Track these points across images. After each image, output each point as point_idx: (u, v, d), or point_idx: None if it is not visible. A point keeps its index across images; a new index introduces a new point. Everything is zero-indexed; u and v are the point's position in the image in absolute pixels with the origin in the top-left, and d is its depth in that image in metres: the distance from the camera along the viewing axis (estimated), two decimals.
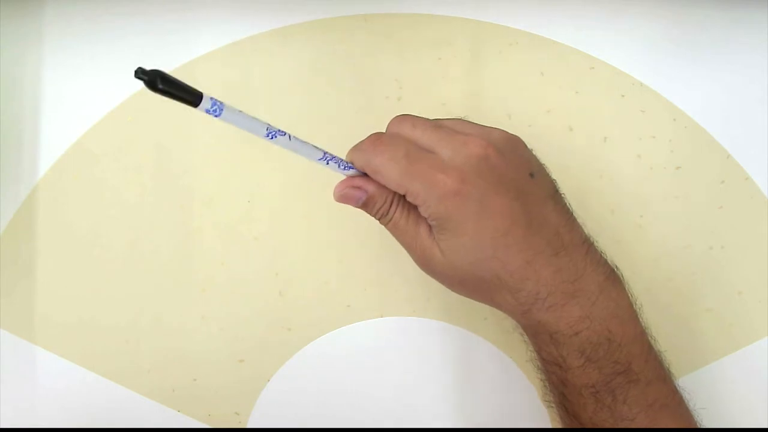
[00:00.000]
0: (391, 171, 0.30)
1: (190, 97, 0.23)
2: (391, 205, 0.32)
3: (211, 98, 0.24)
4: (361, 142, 0.31)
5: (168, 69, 0.43)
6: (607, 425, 0.30)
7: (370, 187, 0.31)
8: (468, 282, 0.31)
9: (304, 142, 0.29)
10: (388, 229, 0.33)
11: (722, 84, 0.42)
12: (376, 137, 0.31)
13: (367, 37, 0.43)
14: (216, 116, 0.24)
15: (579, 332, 0.30)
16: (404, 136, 0.31)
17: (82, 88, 0.43)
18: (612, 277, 0.31)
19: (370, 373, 0.40)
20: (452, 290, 0.33)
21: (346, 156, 0.32)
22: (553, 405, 0.34)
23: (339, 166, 0.31)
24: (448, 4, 0.43)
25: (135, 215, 0.42)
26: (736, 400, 0.40)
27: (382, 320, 0.41)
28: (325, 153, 0.30)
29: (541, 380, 0.34)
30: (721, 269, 0.41)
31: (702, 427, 0.32)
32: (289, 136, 0.29)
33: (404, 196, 0.31)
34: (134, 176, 0.42)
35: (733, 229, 0.41)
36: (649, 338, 0.32)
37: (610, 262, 0.32)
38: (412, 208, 0.31)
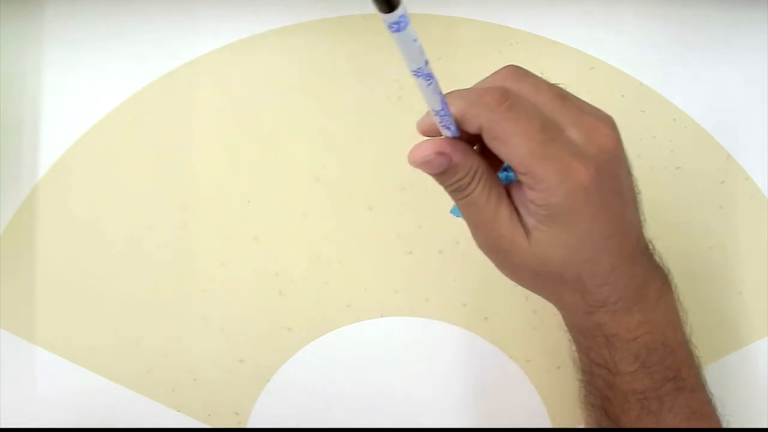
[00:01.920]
0: (521, 146, 0.25)
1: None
2: (472, 180, 0.27)
3: (403, 15, 0.21)
4: (477, 94, 0.26)
5: (168, 69, 0.43)
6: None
7: (457, 155, 0.27)
8: (546, 277, 0.28)
9: (440, 92, 0.24)
10: (459, 205, 0.29)
11: (722, 84, 0.42)
12: (504, 96, 0.26)
13: (367, 37, 0.43)
14: (393, 32, 0.21)
15: (637, 337, 0.28)
16: (532, 103, 0.26)
17: (82, 88, 0.43)
18: (667, 282, 0.30)
19: (369, 373, 0.40)
20: (515, 280, 0.30)
21: (450, 97, 0.26)
22: (590, 407, 0.32)
23: (448, 127, 0.27)
24: (449, 4, 0.43)
25: (135, 215, 0.42)
26: (736, 400, 0.40)
27: (382, 320, 0.41)
28: (445, 107, 0.25)
29: (579, 381, 0.33)
30: (721, 269, 0.41)
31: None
32: (433, 83, 0.24)
33: (488, 170, 0.27)
34: (134, 176, 0.42)
35: (733, 229, 0.41)
36: (692, 345, 0.31)
37: (664, 266, 0.31)
38: (494, 183, 0.28)
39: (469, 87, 0.28)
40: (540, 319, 0.40)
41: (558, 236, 0.27)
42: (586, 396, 0.32)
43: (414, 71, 0.23)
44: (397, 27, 0.21)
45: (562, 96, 0.27)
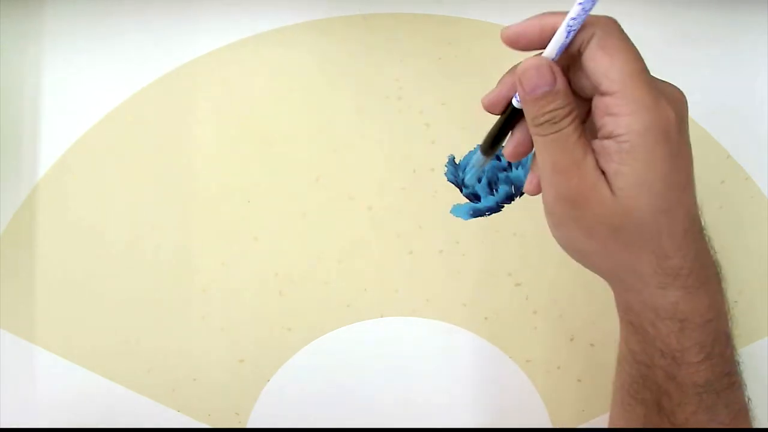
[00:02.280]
0: (627, 62, 0.25)
1: None
2: (569, 114, 0.26)
3: None
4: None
5: (168, 69, 0.43)
6: (700, 427, 0.28)
7: (562, 81, 0.26)
8: (625, 231, 0.26)
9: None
10: (544, 143, 0.27)
11: (722, 84, 0.42)
12: (611, 19, 0.26)
13: (367, 37, 0.43)
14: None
15: (708, 322, 0.27)
16: None
17: (82, 88, 0.43)
18: (720, 270, 0.29)
19: (369, 373, 0.40)
20: (585, 241, 0.28)
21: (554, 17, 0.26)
22: (637, 402, 0.30)
23: (564, 39, 0.26)
24: (448, 4, 0.43)
25: (135, 215, 0.42)
26: None
27: (382, 320, 0.41)
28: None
29: (628, 375, 0.31)
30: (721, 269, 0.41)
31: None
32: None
33: (580, 114, 0.27)
34: (134, 176, 0.42)
35: (733, 229, 0.41)
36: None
37: (715, 255, 0.29)
38: (584, 130, 0.27)
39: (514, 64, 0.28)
40: (540, 319, 0.40)
41: (641, 177, 0.25)
42: (638, 390, 0.30)
43: None
44: None
45: (638, 56, 0.27)
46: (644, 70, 0.25)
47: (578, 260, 0.29)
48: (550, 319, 0.41)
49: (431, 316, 0.41)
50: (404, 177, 0.42)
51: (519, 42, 0.27)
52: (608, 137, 0.26)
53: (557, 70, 0.26)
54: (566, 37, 0.26)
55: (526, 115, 0.27)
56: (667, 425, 0.29)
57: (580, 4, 0.25)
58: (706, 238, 0.29)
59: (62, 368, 0.41)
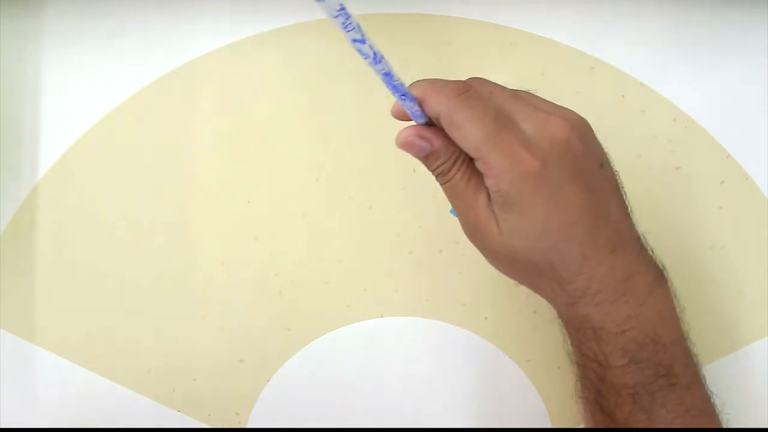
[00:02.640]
0: (473, 132, 0.27)
1: None
2: (453, 165, 0.29)
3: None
4: (442, 83, 0.28)
5: (168, 69, 0.43)
6: (642, 426, 0.29)
7: (438, 141, 0.29)
8: (519, 265, 0.30)
9: (392, 73, 0.27)
10: (444, 189, 0.31)
11: (722, 84, 0.42)
12: (463, 88, 0.28)
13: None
14: (319, 1, 0.23)
15: (625, 331, 0.29)
16: (489, 98, 0.29)
17: (82, 87, 0.43)
18: (660, 278, 0.30)
19: (369, 373, 0.40)
20: (496, 267, 0.31)
21: (414, 89, 0.28)
22: (584, 401, 0.32)
23: (413, 110, 0.29)
24: (448, 4, 0.43)
25: (135, 215, 0.42)
26: (736, 400, 0.40)
27: (382, 320, 0.41)
28: (405, 91, 0.28)
29: (575, 375, 0.33)
30: (721, 269, 0.41)
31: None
32: (380, 60, 0.26)
33: (472, 159, 0.29)
34: (134, 176, 0.42)
35: (733, 229, 0.41)
36: (689, 342, 0.31)
37: (659, 263, 0.31)
38: (475, 172, 0.29)
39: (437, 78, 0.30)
40: (540, 319, 0.40)
41: (517, 224, 0.28)
42: (581, 390, 0.33)
43: (370, 58, 0.25)
44: (339, 15, 0.22)
45: (517, 95, 0.29)
46: (495, 131, 0.27)
47: None
48: (550, 319, 0.40)
49: (431, 316, 0.41)
50: (404, 177, 0.42)
51: (401, 117, 0.30)
52: (487, 186, 0.29)
53: (429, 133, 0.29)
54: (409, 101, 0.28)
55: None
56: (610, 425, 0.30)
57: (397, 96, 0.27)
58: (636, 249, 0.30)
59: (62, 368, 0.41)
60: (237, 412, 0.40)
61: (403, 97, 0.28)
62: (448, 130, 0.28)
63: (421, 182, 0.41)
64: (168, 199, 0.42)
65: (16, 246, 0.42)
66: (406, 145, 0.30)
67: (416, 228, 0.41)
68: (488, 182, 0.28)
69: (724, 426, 0.32)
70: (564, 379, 0.40)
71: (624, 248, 0.29)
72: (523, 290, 0.40)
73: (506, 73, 0.42)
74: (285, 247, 0.42)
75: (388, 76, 0.27)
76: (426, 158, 0.30)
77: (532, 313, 0.41)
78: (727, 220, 0.41)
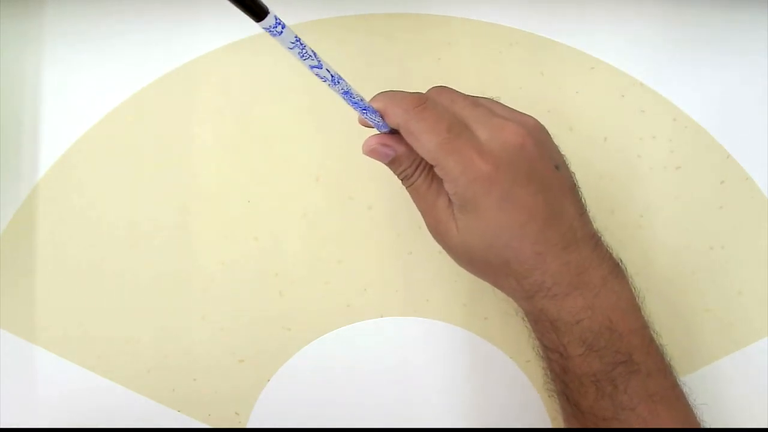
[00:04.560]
0: (428, 141, 0.29)
1: (256, 9, 0.23)
2: (416, 170, 0.32)
3: (276, 17, 0.24)
4: (400, 96, 0.31)
5: (168, 69, 0.43)
6: (608, 414, 0.30)
7: (400, 148, 0.32)
8: (477, 262, 0.32)
9: (351, 91, 0.29)
10: (408, 191, 0.33)
11: (722, 84, 0.42)
12: (419, 100, 0.30)
13: (367, 37, 0.43)
14: (274, 36, 0.24)
15: (580, 321, 0.30)
16: (445, 108, 0.31)
17: (82, 87, 0.43)
18: (616, 270, 0.32)
19: (369, 373, 0.40)
20: (458, 264, 0.33)
21: (375, 102, 0.31)
22: (554, 394, 0.34)
23: (375, 121, 0.31)
24: (448, 4, 0.43)
25: (135, 215, 0.42)
26: (736, 400, 0.40)
27: (382, 320, 0.41)
28: (366, 106, 0.30)
29: (542, 369, 0.35)
30: (721, 269, 0.41)
31: (703, 425, 0.32)
32: (338, 81, 0.28)
33: (430, 165, 0.31)
34: (134, 176, 0.42)
35: (733, 229, 0.41)
36: (652, 332, 0.32)
37: (615, 257, 0.32)
38: (436, 177, 0.31)
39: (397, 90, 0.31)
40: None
41: (472, 224, 0.30)
42: (548, 383, 0.34)
43: (326, 79, 0.27)
44: (274, 33, 0.23)
45: (476, 103, 0.31)
46: (450, 139, 0.29)
47: None
48: None
49: (431, 316, 0.41)
50: None
51: (367, 125, 0.32)
52: (445, 190, 0.31)
53: (391, 141, 0.32)
54: (371, 114, 0.30)
55: None
56: (579, 416, 0.31)
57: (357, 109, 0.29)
58: (590, 245, 0.31)
59: (62, 368, 0.41)
60: (237, 412, 0.40)
61: (364, 111, 0.30)
62: (408, 140, 0.30)
63: None
64: (168, 199, 0.42)
65: (16, 246, 0.42)
66: (371, 153, 0.32)
67: (416, 228, 0.41)
68: (446, 186, 0.30)
69: (702, 417, 0.32)
70: None
71: (577, 245, 0.31)
72: None
73: (506, 73, 0.42)
74: (285, 248, 0.42)
75: (347, 95, 0.28)
76: (390, 164, 0.32)
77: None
78: (727, 220, 0.41)
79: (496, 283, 0.33)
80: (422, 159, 0.31)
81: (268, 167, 0.42)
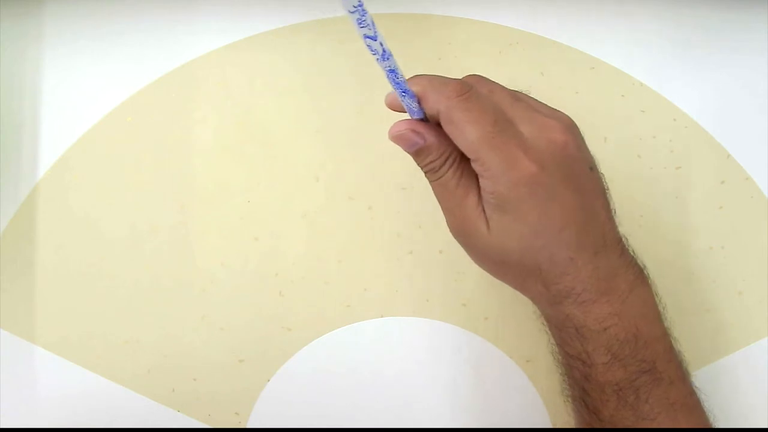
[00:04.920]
0: (472, 133, 0.28)
1: None
2: (444, 163, 0.30)
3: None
4: (441, 82, 0.29)
5: (168, 69, 0.43)
6: (628, 423, 0.30)
7: (430, 137, 0.29)
8: (506, 264, 0.30)
9: (397, 71, 0.27)
10: (433, 186, 0.31)
11: (722, 84, 0.42)
12: (463, 88, 0.28)
13: None
14: (350, 13, 0.24)
15: (607, 328, 0.29)
16: (489, 99, 0.29)
17: (82, 88, 0.43)
18: (641, 276, 0.31)
19: (369, 374, 0.40)
20: (481, 266, 0.32)
21: (413, 86, 0.29)
22: (571, 400, 0.33)
23: (411, 105, 0.29)
24: (448, 4, 0.43)
25: (135, 215, 0.42)
26: (736, 400, 0.40)
27: (382, 320, 0.41)
28: (406, 88, 0.28)
29: (560, 374, 0.34)
30: (721, 269, 0.41)
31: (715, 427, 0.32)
32: (388, 57, 0.26)
33: (462, 158, 0.29)
34: (134, 176, 0.42)
35: (733, 229, 0.41)
36: (672, 339, 0.31)
37: (639, 262, 0.31)
38: (466, 171, 0.30)
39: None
40: (540, 319, 0.40)
41: (510, 225, 0.28)
42: (566, 389, 0.33)
43: (379, 54, 0.26)
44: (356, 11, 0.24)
45: (516, 97, 0.30)
46: (495, 133, 0.27)
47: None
48: None
49: (431, 316, 0.41)
50: (404, 177, 0.42)
51: (395, 107, 0.31)
52: (482, 187, 0.29)
53: (422, 129, 0.29)
54: (409, 98, 0.29)
55: None
56: (597, 424, 0.31)
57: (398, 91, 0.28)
58: (618, 250, 0.30)
59: (62, 368, 0.41)
60: (237, 412, 0.40)
61: (404, 93, 0.28)
62: (447, 129, 0.29)
63: (421, 182, 0.41)
64: (168, 199, 0.42)
65: (16, 246, 0.42)
66: (398, 138, 0.30)
67: (416, 228, 0.41)
68: (484, 183, 0.28)
69: (714, 422, 0.32)
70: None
71: (607, 250, 0.30)
72: None
73: (506, 73, 0.42)
74: (285, 247, 0.42)
75: (393, 73, 0.27)
76: (417, 154, 0.30)
77: (532, 313, 0.41)
78: (727, 220, 0.41)
79: (523, 287, 0.31)
80: (453, 151, 0.29)
81: (268, 167, 0.42)
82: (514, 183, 0.28)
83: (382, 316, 0.41)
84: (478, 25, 0.43)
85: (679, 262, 0.41)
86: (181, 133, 0.42)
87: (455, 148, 0.29)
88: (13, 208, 0.42)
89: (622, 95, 0.42)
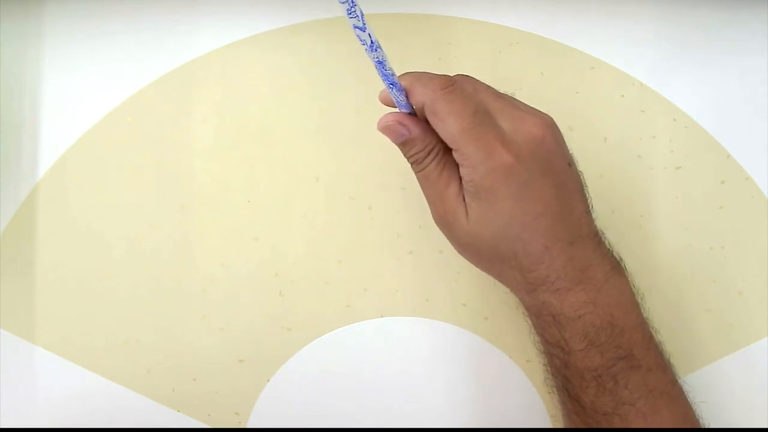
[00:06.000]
0: (453, 124, 0.29)
1: None
2: (428, 155, 0.31)
3: None
4: (428, 77, 0.31)
5: (168, 69, 0.43)
6: (608, 409, 0.30)
7: (416, 130, 0.31)
8: (483, 252, 0.32)
9: (385, 62, 0.29)
10: (418, 178, 0.33)
11: (722, 84, 0.42)
12: (447, 82, 0.30)
13: None
14: (341, 2, 0.25)
15: (582, 315, 0.30)
16: (471, 94, 0.31)
17: (82, 87, 0.43)
18: (617, 268, 0.32)
19: (369, 373, 0.40)
20: (462, 255, 0.33)
21: (402, 80, 0.31)
22: (554, 390, 0.34)
23: (399, 98, 0.31)
24: (448, 4, 0.43)
25: (135, 215, 0.42)
26: (736, 400, 0.40)
27: (382, 320, 0.41)
28: (395, 81, 0.30)
29: (543, 365, 0.35)
30: (721, 269, 0.41)
31: (704, 424, 0.32)
32: (377, 48, 0.28)
33: (445, 150, 0.31)
34: (134, 176, 0.42)
35: (733, 229, 0.41)
36: (651, 329, 0.32)
37: (616, 255, 0.33)
38: (448, 163, 0.31)
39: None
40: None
41: (486, 213, 0.30)
42: (549, 378, 0.34)
43: (367, 45, 0.27)
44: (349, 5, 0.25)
45: (498, 94, 0.31)
46: (475, 124, 0.29)
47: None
48: None
49: (431, 316, 0.41)
50: (404, 177, 0.42)
51: (387, 103, 0.32)
52: (461, 175, 0.31)
53: (408, 121, 0.31)
54: (397, 90, 0.30)
55: None
56: (580, 411, 0.32)
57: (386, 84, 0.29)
58: (594, 243, 0.32)
59: (62, 368, 0.41)
60: (237, 412, 0.40)
61: (391, 85, 0.30)
62: (431, 120, 0.30)
63: None
64: (168, 199, 0.42)
65: (16, 246, 0.42)
66: (386, 129, 0.32)
67: (416, 228, 0.41)
68: (463, 172, 0.30)
69: (696, 410, 0.32)
70: None
71: (583, 241, 0.31)
72: None
73: (506, 73, 0.42)
74: (285, 247, 0.42)
75: (380, 64, 0.28)
76: (403, 144, 0.32)
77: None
78: (727, 220, 0.41)
79: (500, 274, 0.33)
80: (436, 144, 0.31)
81: (268, 167, 0.42)
82: (490, 171, 0.29)
83: (382, 316, 0.41)
84: (478, 25, 0.43)
85: (679, 262, 0.41)
86: (181, 133, 0.43)
87: (439, 141, 0.31)
88: (13, 208, 0.42)
89: (622, 95, 0.42)
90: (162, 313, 0.41)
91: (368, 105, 0.42)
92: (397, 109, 0.32)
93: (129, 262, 0.41)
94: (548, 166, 0.30)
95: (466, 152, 0.29)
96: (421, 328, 0.41)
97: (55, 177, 0.42)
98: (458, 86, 0.30)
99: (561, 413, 0.34)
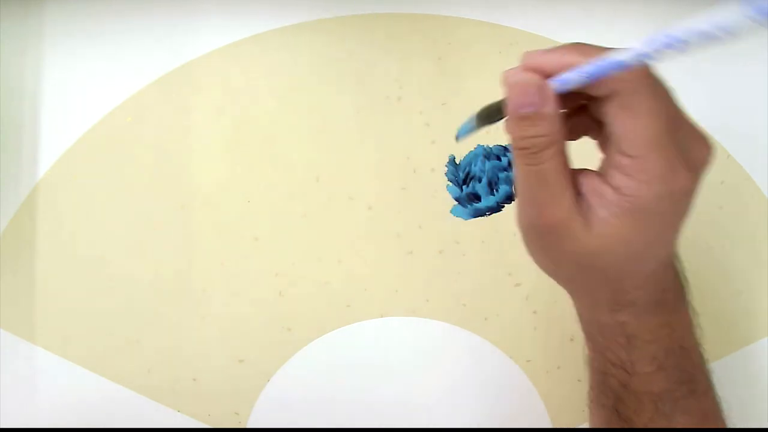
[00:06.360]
0: (649, 127, 0.23)
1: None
2: (551, 145, 0.24)
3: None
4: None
5: (168, 69, 0.43)
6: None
7: (552, 106, 0.24)
8: (586, 270, 0.27)
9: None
10: (522, 172, 0.25)
11: (722, 84, 0.42)
12: (649, 71, 0.24)
13: (367, 37, 0.43)
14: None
15: (657, 339, 0.28)
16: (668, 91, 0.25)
17: (82, 88, 0.43)
18: (686, 286, 0.29)
19: (369, 373, 0.40)
20: (545, 263, 0.28)
21: (586, 48, 0.24)
22: (598, 407, 0.32)
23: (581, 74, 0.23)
24: (448, 4, 0.43)
25: (135, 215, 0.42)
26: (736, 400, 0.39)
27: (382, 320, 0.41)
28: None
29: (590, 381, 0.32)
30: (721, 269, 0.41)
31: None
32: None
33: (565, 148, 0.25)
34: (134, 176, 0.42)
35: (733, 229, 0.41)
36: (702, 348, 0.31)
37: (681, 273, 0.30)
38: (567, 164, 0.25)
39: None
40: (540, 319, 0.40)
41: (627, 233, 0.24)
42: (597, 396, 0.32)
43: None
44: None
45: (677, 102, 0.26)
46: (668, 131, 0.24)
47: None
48: (550, 319, 0.41)
49: (431, 316, 0.41)
50: (404, 177, 0.41)
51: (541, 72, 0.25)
52: (611, 186, 0.24)
53: (549, 93, 0.24)
54: (583, 81, 0.23)
55: (508, 134, 0.25)
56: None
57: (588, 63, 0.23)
58: (675, 268, 0.29)
59: (62, 368, 0.41)
60: (237, 412, 0.40)
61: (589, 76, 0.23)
62: (612, 112, 0.24)
63: (421, 182, 0.41)
64: (168, 200, 0.42)
65: (16, 246, 0.42)
66: (516, 87, 0.24)
67: (416, 228, 0.41)
68: (627, 183, 0.24)
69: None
70: (564, 379, 0.40)
71: (670, 266, 0.28)
72: (523, 290, 0.40)
73: None
74: (285, 247, 0.42)
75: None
76: (523, 119, 0.24)
77: (532, 313, 0.41)
78: (727, 220, 0.41)
79: (588, 292, 0.28)
80: (561, 137, 0.24)
81: (268, 167, 0.42)
82: (668, 194, 0.24)
83: (382, 316, 0.41)
84: (478, 25, 0.43)
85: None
86: (181, 133, 0.42)
87: (563, 135, 0.25)
88: (13, 208, 0.42)
89: None
90: (162, 313, 0.41)
91: (368, 105, 0.42)
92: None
93: (129, 261, 0.41)
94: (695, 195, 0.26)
95: (647, 164, 0.23)
96: (421, 328, 0.41)
97: (55, 177, 0.42)
98: (658, 78, 0.24)
99: (592, 422, 0.32)
